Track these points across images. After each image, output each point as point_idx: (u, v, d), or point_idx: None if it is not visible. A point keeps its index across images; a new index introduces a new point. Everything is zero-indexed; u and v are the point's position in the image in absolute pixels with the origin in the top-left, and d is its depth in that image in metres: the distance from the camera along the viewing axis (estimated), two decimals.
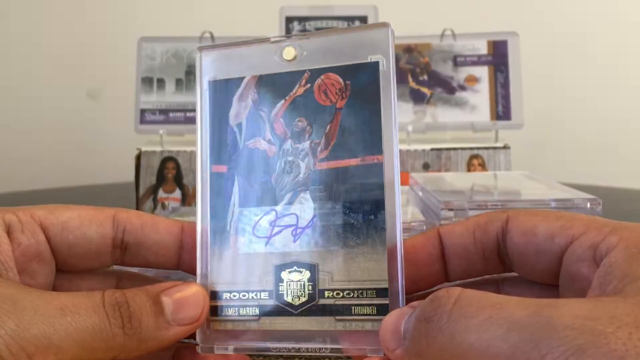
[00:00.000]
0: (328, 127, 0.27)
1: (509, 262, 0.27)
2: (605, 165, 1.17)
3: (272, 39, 0.28)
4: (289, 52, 0.27)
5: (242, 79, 0.28)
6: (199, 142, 0.28)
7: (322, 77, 0.27)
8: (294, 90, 0.27)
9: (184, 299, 0.25)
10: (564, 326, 0.18)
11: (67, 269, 0.28)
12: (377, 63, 0.26)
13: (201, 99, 0.28)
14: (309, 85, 0.27)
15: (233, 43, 0.29)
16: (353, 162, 0.26)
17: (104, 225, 0.28)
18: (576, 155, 1.17)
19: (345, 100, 0.26)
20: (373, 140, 0.26)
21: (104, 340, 0.23)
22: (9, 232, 0.26)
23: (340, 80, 0.27)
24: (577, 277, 0.24)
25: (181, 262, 0.29)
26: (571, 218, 0.25)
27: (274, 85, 0.28)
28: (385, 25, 0.26)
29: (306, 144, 0.27)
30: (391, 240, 0.25)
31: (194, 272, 0.28)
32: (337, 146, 0.26)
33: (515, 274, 0.28)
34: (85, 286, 0.29)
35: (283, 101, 0.27)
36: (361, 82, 0.26)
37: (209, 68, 0.29)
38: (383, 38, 0.26)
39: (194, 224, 0.29)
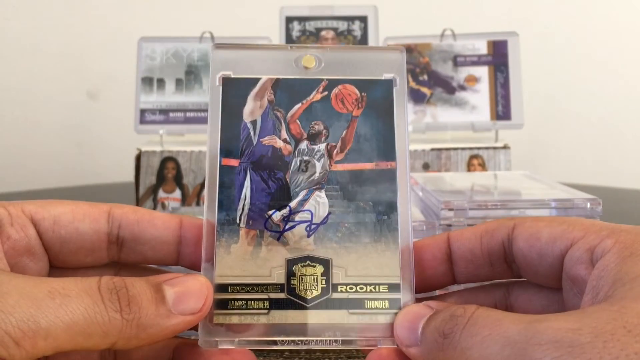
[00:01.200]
0: (344, 132, 0.29)
1: (516, 267, 0.27)
2: (605, 165, 1.17)
3: (290, 46, 0.30)
4: (309, 61, 0.29)
5: (258, 79, 0.29)
6: (209, 134, 0.29)
7: (339, 87, 0.29)
8: (312, 96, 0.29)
9: (186, 288, 0.25)
10: (546, 340, 0.19)
11: (61, 265, 0.28)
12: (391, 80, 0.29)
13: (213, 94, 0.29)
14: (326, 92, 0.29)
15: (249, 45, 0.31)
16: (368, 166, 0.28)
17: (98, 220, 0.28)
18: (576, 155, 1.18)
19: (362, 109, 0.29)
20: (387, 147, 0.28)
21: (99, 325, 0.22)
22: None
23: (357, 91, 0.29)
24: (576, 280, 0.25)
25: (181, 258, 0.29)
26: (573, 223, 0.26)
27: (291, 88, 0.29)
28: (399, 49, 0.30)
29: (322, 146, 0.29)
30: (404, 239, 0.27)
31: (195, 268, 0.28)
32: (352, 150, 0.28)
33: (524, 279, 0.29)
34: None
35: (300, 104, 0.29)
36: (376, 96, 0.29)
37: (222, 65, 0.30)
38: (398, 59, 0.29)
39: (193, 218, 0.28)
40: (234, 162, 0.29)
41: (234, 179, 0.28)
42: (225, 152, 0.29)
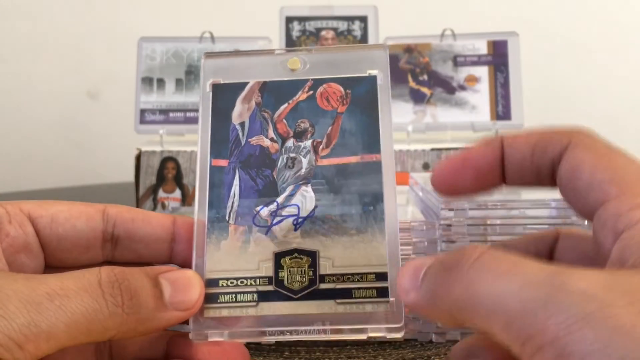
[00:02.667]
0: (330, 128, 0.29)
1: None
2: None
3: (276, 51, 0.31)
4: (294, 63, 0.30)
5: (246, 83, 0.31)
6: (199, 138, 0.30)
7: (324, 85, 0.30)
8: (297, 96, 0.30)
9: (181, 283, 0.25)
10: (576, 290, 0.18)
11: (56, 263, 0.28)
12: (375, 77, 0.30)
13: (204, 99, 0.30)
14: (311, 92, 0.30)
15: (237, 52, 0.32)
16: (353, 159, 0.29)
17: (94, 218, 0.28)
18: None
19: (346, 106, 0.30)
20: (372, 141, 0.29)
21: (100, 321, 0.22)
22: None
23: (341, 89, 0.30)
24: (601, 244, 0.23)
25: (174, 255, 0.29)
26: (618, 171, 0.24)
27: (277, 90, 0.30)
28: (382, 46, 0.30)
29: (308, 143, 0.29)
30: (390, 228, 0.27)
31: (186, 265, 0.28)
32: (338, 145, 0.29)
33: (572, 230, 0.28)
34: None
35: (286, 104, 0.30)
36: (361, 92, 0.30)
37: (212, 72, 0.31)
38: (381, 56, 0.30)
39: (186, 217, 0.29)
40: (223, 163, 0.30)
41: (223, 178, 0.29)
42: (215, 153, 0.30)
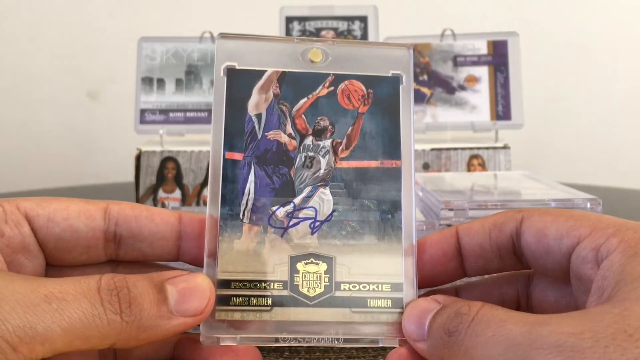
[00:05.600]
0: (350, 128, 0.28)
1: (525, 261, 0.27)
2: (605, 165, 1.17)
3: (295, 40, 0.29)
4: (315, 54, 0.29)
5: (264, 71, 0.29)
6: (212, 127, 0.28)
7: (345, 82, 0.29)
8: (318, 91, 0.29)
9: (189, 289, 0.24)
10: (549, 344, 0.19)
11: (57, 262, 0.28)
12: (398, 78, 0.29)
13: (217, 84, 0.29)
14: (332, 88, 0.29)
15: (255, 36, 0.29)
16: (373, 164, 0.28)
17: (94, 217, 0.27)
18: (576, 155, 1.17)
19: (368, 106, 0.29)
20: (392, 146, 0.28)
21: (97, 328, 0.22)
22: None
23: (363, 87, 0.29)
24: (582, 279, 0.25)
25: (181, 253, 0.28)
26: (580, 218, 0.26)
27: (297, 82, 0.29)
28: (406, 46, 0.29)
29: (328, 142, 0.28)
30: (407, 238, 0.27)
31: (195, 263, 0.28)
32: (358, 147, 0.28)
33: (471, 281, 0.29)
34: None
35: (306, 99, 0.29)
36: (383, 93, 0.29)
37: (227, 55, 0.29)
38: (405, 57, 0.29)
39: (192, 213, 0.28)
40: (237, 156, 0.28)
41: (237, 173, 0.28)
42: (229, 145, 0.28)
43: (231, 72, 0.29)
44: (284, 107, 0.29)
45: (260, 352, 0.26)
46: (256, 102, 0.29)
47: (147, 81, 0.73)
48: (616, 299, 0.21)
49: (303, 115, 0.29)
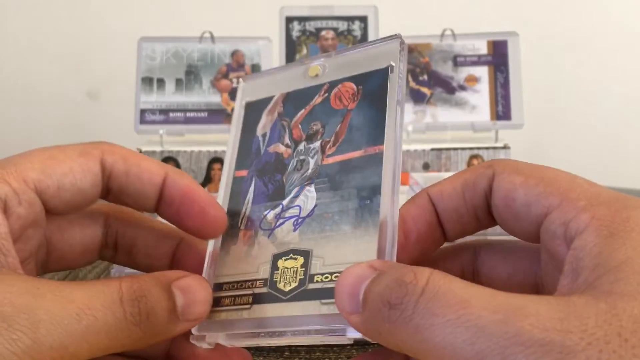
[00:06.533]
0: (338, 126, 0.28)
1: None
2: (605, 165, 1.17)
3: (304, 61, 0.31)
4: (314, 70, 0.30)
5: (272, 97, 0.31)
6: (228, 152, 0.31)
7: (338, 86, 0.29)
8: (314, 100, 0.30)
9: (194, 296, 0.25)
10: (532, 342, 0.17)
11: (52, 213, 0.27)
12: (387, 68, 0.28)
13: (236, 117, 0.31)
14: (326, 94, 0.29)
15: (271, 71, 0.32)
16: (356, 154, 0.27)
17: (96, 174, 0.27)
18: (576, 155, 1.17)
19: (356, 102, 0.28)
20: (376, 133, 0.27)
21: (119, 339, 0.22)
22: (5, 207, 0.24)
23: (354, 86, 0.29)
24: (554, 256, 0.23)
25: (160, 211, 0.29)
26: (551, 182, 0.24)
27: (297, 98, 0.30)
28: (395, 36, 0.29)
29: (317, 144, 0.29)
30: (383, 220, 0.25)
31: (171, 221, 0.29)
32: (344, 142, 0.28)
33: (492, 240, 0.28)
34: (77, 234, 0.29)
35: (303, 110, 0.30)
36: (373, 86, 0.28)
37: (247, 92, 0.32)
38: (394, 47, 0.28)
39: (177, 177, 0.28)
40: (243, 173, 0.30)
41: (241, 187, 0.30)
42: (239, 164, 0.30)
43: (248, 105, 0.31)
44: (284, 122, 0.30)
45: (261, 352, 0.27)
46: (264, 124, 0.31)
47: (147, 81, 0.73)
48: (599, 290, 0.19)
49: (299, 125, 0.30)
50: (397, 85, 0.27)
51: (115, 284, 0.23)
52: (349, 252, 0.25)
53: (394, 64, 0.28)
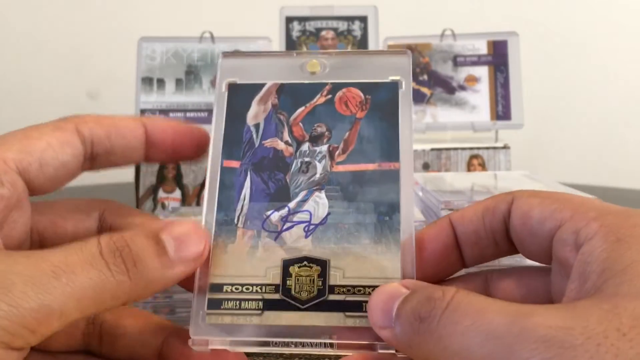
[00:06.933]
0: (347, 133, 0.28)
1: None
2: (605, 165, 1.17)
3: (295, 54, 0.30)
4: (313, 65, 0.29)
5: (263, 84, 0.30)
6: (212, 138, 0.29)
7: (343, 90, 0.29)
8: (315, 99, 0.29)
9: (184, 234, 0.24)
10: (535, 338, 0.18)
11: (37, 192, 0.27)
12: (397, 83, 0.29)
13: (218, 99, 0.30)
14: (330, 96, 0.29)
15: (255, 53, 0.31)
16: (370, 166, 0.28)
17: (75, 145, 0.27)
18: (576, 155, 1.17)
19: (365, 112, 0.28)
20: (390, 148, 0.28)
21: (108, 291, 0.22)
22: None
23: (361, 94, 0.29)
24: (563, 263, 0.24)
25: (150, 157, 0.30)
26: (564, 201, 0.25)
27: (295, 93, 0.29)
28: (405, 52, 0.29)
29: (324, 147, 0.28)
30: (405, 240, 0.26)
31: (167, 159, 0.30)
32: (355, 152, 0.28)
33: (504, 267, 0.28)
34: (71, 228, 0.29)
35: (304, 107, 0.29)
36: (381, 98, 0.28)
37: (229, 72, 0.30)
38: (403, 63, 0.29)
39: (155, 121, 0.29)
40: (235, 164, 0.29)
41: (234, 180, 0.28)
42: (227, 154, 0.29)
43: (232, 87, 0.30)
44: (281, 116, 0.29)
45: (256, 355, 0.26)
46: (255, 113, 0.29)
47: (147, 81, 0.73)
48: (605, 293, 0.20)
49: (300, 123, 0.29)
50: (409, 103, 0.28)
51: (94, 241, 0.23)
52: (371, 267, 0.26)
53: (404, 80, 0.29)
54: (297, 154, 0.29)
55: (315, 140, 0.29)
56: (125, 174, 0.90)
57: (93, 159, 0.28)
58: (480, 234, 0.27)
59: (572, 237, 0.23)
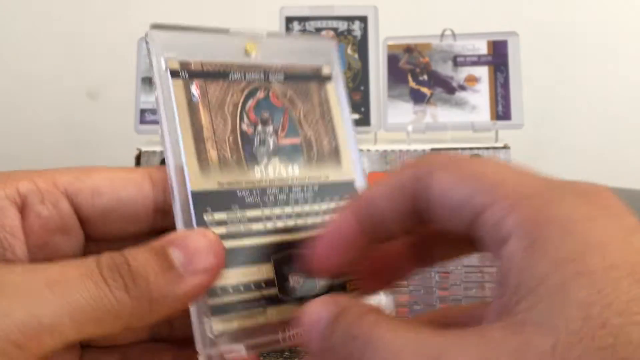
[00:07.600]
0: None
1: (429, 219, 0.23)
2: (605, 165, 1.17)
3: (230, 31, 0.30)
4: (251, 47, 0.30)
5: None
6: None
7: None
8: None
9: (193, 245, 0.22)
10: None
11: (99, 237, 0.25)
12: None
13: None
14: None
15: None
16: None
17: (142, 185, 0.25)
18: (576, 155, 1.17)
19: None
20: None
21: (107, 308, 0.20)
22: (24, 203, 0.23)
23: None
24: (490, 257, 0.21)
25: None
26: (481, 177, 0.21)
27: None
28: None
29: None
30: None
31: None
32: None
33: None
34: None
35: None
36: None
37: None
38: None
39: None
40: None
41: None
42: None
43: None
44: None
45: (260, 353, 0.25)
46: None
47: (147, 81, 0.73)
48: (516, 319, 0.18)
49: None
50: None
51: (93, 257, 0.21)
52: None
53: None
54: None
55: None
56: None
57: (166, 212, 0.25)
58: (391, 215, 0.24)
59: (490, 232, 0.20)
